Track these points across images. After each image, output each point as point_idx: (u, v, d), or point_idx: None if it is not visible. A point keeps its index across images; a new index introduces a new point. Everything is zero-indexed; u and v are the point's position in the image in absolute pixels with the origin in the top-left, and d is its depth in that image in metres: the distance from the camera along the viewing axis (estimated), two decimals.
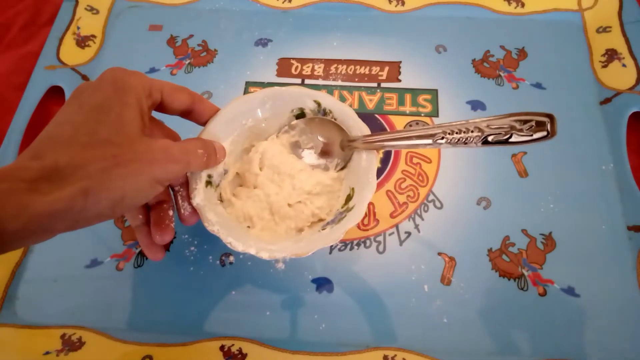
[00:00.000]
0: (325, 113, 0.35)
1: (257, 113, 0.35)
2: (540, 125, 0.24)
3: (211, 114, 0.33)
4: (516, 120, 0.25)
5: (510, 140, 0.25)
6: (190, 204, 0.32)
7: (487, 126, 0.25)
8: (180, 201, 0.32)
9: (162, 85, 0.29)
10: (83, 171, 0.22)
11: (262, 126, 0.36)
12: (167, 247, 0.38)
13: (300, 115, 0.36)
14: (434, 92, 0.44)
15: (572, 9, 0.48)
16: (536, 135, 0.24)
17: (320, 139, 0.35)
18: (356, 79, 0.46)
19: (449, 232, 0.37)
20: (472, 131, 0.26)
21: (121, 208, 0.24)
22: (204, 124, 0.33)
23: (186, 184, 0.32)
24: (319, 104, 0.35)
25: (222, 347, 0.34)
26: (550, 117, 0.24)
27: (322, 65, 0.46)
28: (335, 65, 0.46)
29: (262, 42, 0.47)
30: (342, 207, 0.33)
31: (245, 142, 0.36)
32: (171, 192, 0.32)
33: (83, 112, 0.24)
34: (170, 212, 0.32)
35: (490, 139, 0.25)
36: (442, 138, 0.27)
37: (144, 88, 0.27)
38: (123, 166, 0.23)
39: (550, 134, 0.24)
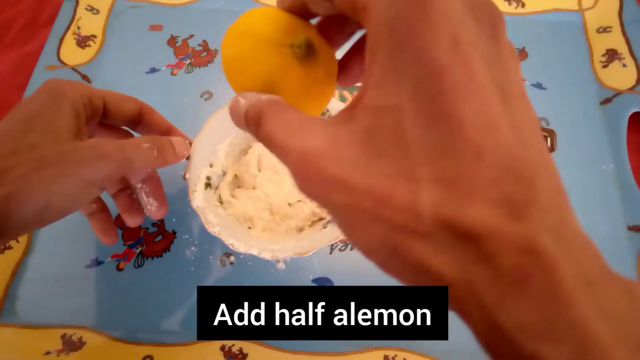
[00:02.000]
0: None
1: None
2: None
3: (161, 127, 0.32)
4: None
5: None
6: (155, 198, 0.32)
7: None
8: (145, 197, 0.32)
9: (104, 94, 0.28)
10: (5, 177, 0.21)
11: None
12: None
13: None
14: None
15: (572, 9, 0.48)
16: None
17: None
18: None
19: None
20: None
21: (49, 214, 0.23)
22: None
23: (149, 180, 0.32)
24: None
25: (222, 347, 0.34)
26: (550, 132, 0.24)
27: None
28: None
29: None
30: None
31: (243, 143, 0.36)
32: (137, 188, 0.32)
33: (15, 123, 0.24)
34: (135, 197, 0.32)
35: None
36: None
37: (82, 96, 0.26)
38: (46, 168, 0.22)
39: (550, 149, 0.24)
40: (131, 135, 0.32)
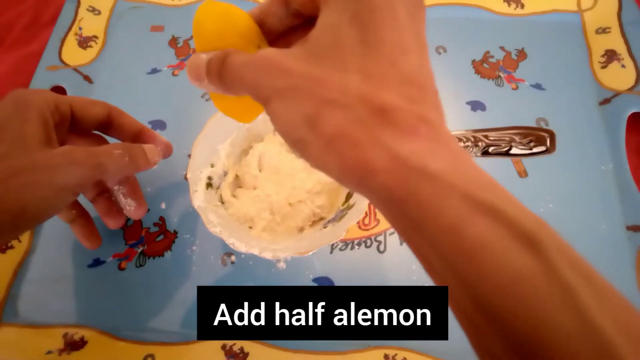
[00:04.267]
0: None
1: None
2: (540, 140, 0.24)
3: (132, 128, 0.32)
4: (516, 134, 0.25)
5: (510, 152, 0.25)
6: (133, 199, 0.32)
7: (488, 137, 0.25)
8: (122, 199, 0.32)
9: (71, 100, 0.29)
10: None
11: (261, 127, 0.36)
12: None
13: None
14: None
15: (571, 10, 0.48)
16: (535, 150, 0.24)
17: None
18: None
19: None
20: (472, 142, 0.26)
21: (24, 222, 0.23)
22: (126, 138, 0.32)
23: (125, 181, 0.32)
24: None
25: (223, 347, 0.34)
26: (550, 133, 0.24)
27: None
28: None
29: None
30: (342, 205, 0.33)
31: (243, 143, 0.37)
32: (114, 190, 0.32)
33: None
34: (114, 199, 0.33)
35: (490, 150, 0.25)
36: None
37: (48, 103, 0.27)
38: (19, 177, 0.23)
39: (549, 150, 0.24)
40: (105, 141, 0.33)
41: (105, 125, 0.31)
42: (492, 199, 0.14)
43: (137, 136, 0.32)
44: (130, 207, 0.32)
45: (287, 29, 0.21)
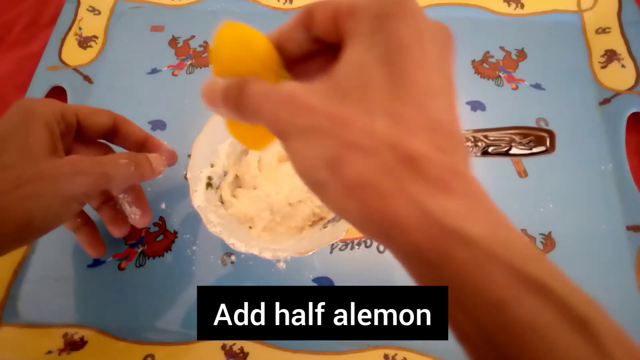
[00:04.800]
0: None
1: None
2: (539, 140, 0.24)
3: (138, 137, 0.32)
4: (516, 134, 0.25)
5: (510, 152, 0.25)
6: (138, 207, 0.32)
7: (488, 137, 0.25)
8: (127, 207, 0.32)
9: (77, 109, 0.29)
10: None
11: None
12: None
13: None
14: None
15: (571, 10, 0.48)
16: (535, 150, 0.24)
17: None
18: None
19: None
20: (472, 142, 0.26)
21: (30, 232, 0.23)
22: (131, 147, 0.33)
23: (130, 190, 0.32)
24: None
25: (223, 346, 0.34)
26: (550, 133, 0.24)
27: None
28: None
29: None
30: None
31: None
32: (119, 199, 0.32)
33: None
34: (119, 208, 0.33)
35: (490, 150, 0.25)
36: None
37: (54, 113, 0.27)
38: (25, 187, 0.22)
39: (549, 150, 0.24)
40: (111, 149, 0.33)
41: (110, 134, 0.31)
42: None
43: (142, 144, 0.33)
44: (135, 216, 0.32)
45: (305, 54, 0.20)
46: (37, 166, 0.24)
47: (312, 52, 0.20)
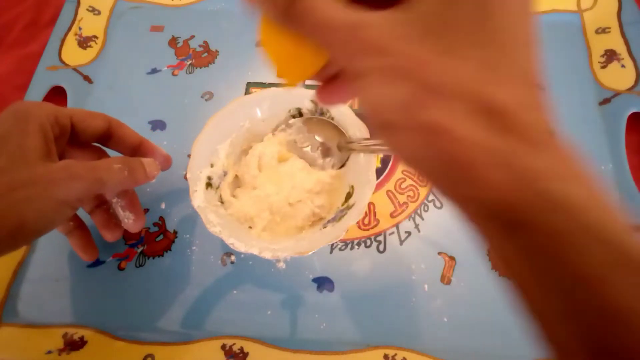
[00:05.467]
0: (322, 113, 0.35)
1: (257, 113, 0.36)
2: None
3: (132, 141, 0.32)
4: None
5: None
6: (131, 212, 0.32)
7: None
8: (121, 211, 0.32)
9: (71, 112, 0.29)
10: None
11: (261, 127, 0.36)
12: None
13: (298, 115, 0.36)
14: None
15: (571, 10, 0.48)
16: None
17: (318, 138, 0.36)
18: None
19: (449, 232, 0.37)
20: None
21: (23, 236, 0.23)
22: (126, 151, 0.33)
23: (124, 194, 0.32)
24: (316, 104, 0.35)
25: (223, 346, 0.34)
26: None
27: None
28: None
29: None
30: (342, 205, 0.33)
31: (243, 143, 0.37)
32: (113, 203, 0.32)
33: None
34: (112, 212, 0.33)
35: None
36: None
37: (49, 116, 0.26)
38: (19, 191, 0.22)
39: None
40: (105, 153, 0.33)
41: (105, 138, 0.31)
42: None
43: (136, 148, 0.32)
44: (128, 220, 0.32)
45: None
46: (31, 170, 0.24)
47: None
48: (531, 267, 0.13)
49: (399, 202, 0.39)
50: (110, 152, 0.34)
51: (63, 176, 0.24)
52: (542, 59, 0.14)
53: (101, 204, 0.33)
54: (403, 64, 0.13)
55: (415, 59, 0.13)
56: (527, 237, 0.13)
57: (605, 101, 0.42)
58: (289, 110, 0.36)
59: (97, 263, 0.37)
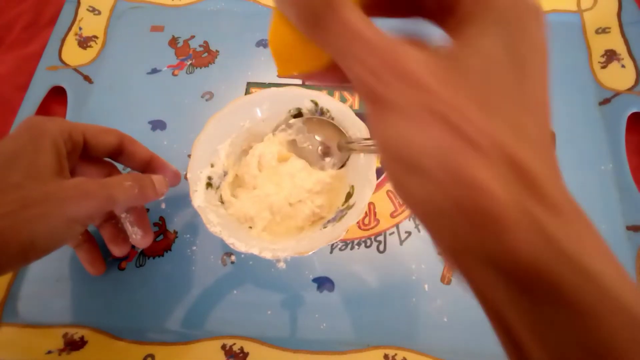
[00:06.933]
0: (322, 113, 0.35)
1: (257, 113, 0.36)
2: None
3: (143, 157, 0.33)
4: None
5: None
6: (139, 227, 0.32)
7: None
8: (130, 227, 0.33)
9: (84, 128, 0.29)
10: None
11: (261, 127, 0.36)
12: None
13: (298, 115, 0.36)
14: None
15: (571, 10, 0.48)
16: None
17: (318, 138, 0.36)
18: None
19: None
20: None
21: (34, 252, 0.23)
22: (136, 166, 0.33)
23: (133, 210, 0.32)
24: (316, 104, 0.35)
25: (223, 346, 0.34)
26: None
27: None
28: None
29: (264, 43, 0.48)
30: (342, 205, 0.33)
31: (243, 143, 0.37)
32: (122, 218, 0.33)
33: None
34: (121, 226, 0.33)
35: None
36: None
37: (62, 132, 0.27)
38: (31, 208, 0.23)
39: None
40: (115, 167, 0.33)
41: (116, 153, 0.32)
42: None
43: (147, 164, 0.33)
44: (136, 236, 0.33)
45: None
46: (44, 187, 0.24)
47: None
48: (542, 331, 0.13)
49: (399, 202, 0.39)
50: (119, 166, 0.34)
51: (75, 194, 0.25)
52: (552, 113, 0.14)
53: (110, 219, 0.33)
54: (443, 108, 0.13)
55: (457, 108, 0.13)
56: (548, 302, 0.12)
57: (605, 101, 0.42)
58: (289, 110, 0.36)
59: None
